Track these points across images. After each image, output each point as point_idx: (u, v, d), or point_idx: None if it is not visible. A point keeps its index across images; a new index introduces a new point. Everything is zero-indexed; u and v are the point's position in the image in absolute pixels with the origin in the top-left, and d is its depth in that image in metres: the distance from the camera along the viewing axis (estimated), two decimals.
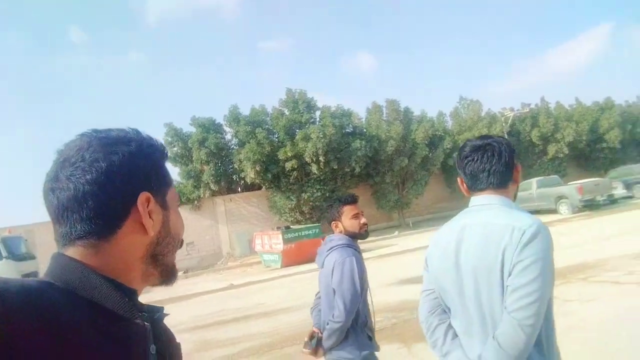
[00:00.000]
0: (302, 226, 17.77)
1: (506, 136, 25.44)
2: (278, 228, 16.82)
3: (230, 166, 22.80)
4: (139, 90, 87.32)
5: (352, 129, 22.71)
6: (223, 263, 20.83)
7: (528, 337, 1.30)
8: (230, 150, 22.52)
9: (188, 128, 23.07)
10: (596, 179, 19.79)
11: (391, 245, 18.11)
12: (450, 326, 1.56)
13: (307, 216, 21.68)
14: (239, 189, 24.08)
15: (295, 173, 21.07)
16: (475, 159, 1.53)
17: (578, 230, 13.94)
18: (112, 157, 0.69)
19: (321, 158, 20.33)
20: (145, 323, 0.69)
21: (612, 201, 20.44)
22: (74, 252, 0.68)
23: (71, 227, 0.68)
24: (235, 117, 22.22)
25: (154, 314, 0.75)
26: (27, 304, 0.57)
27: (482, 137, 1.59)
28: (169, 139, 23.06)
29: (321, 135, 19.98)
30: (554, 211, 19.43)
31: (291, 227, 17.41)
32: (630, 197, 21.40)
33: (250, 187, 23.26)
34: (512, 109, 24.92)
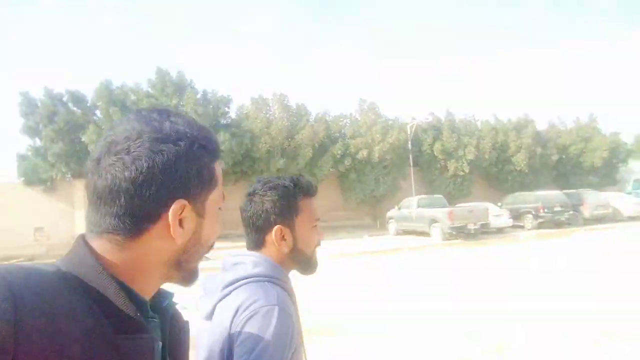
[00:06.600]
0: None
1: (409, 146, 23.49)
2: None
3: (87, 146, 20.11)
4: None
5: (229, 120, 20.27)
6: None
7: None
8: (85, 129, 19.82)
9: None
10: (471, 204, 17.93)
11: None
12: None
13: None
14: None
15: None
16: None
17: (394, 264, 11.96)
18: (156, 157, 0.64)
19: None
20: (155, 337, 0.67)
21: (498, 229, 18.83)
22: (100, 244, 0.67)
23: (101, 218, 0.66)
24: (102, 94, 19.51)
25: (163, 302, 0.75)
26: (42, 308, 0.56)
27: None
28: (24, 109, 20.36)
29: None
30: (428, 234, 17.60)
31: None
32: (521, 227, 19.75)
33: None
34: (414, 118, 22.91)
